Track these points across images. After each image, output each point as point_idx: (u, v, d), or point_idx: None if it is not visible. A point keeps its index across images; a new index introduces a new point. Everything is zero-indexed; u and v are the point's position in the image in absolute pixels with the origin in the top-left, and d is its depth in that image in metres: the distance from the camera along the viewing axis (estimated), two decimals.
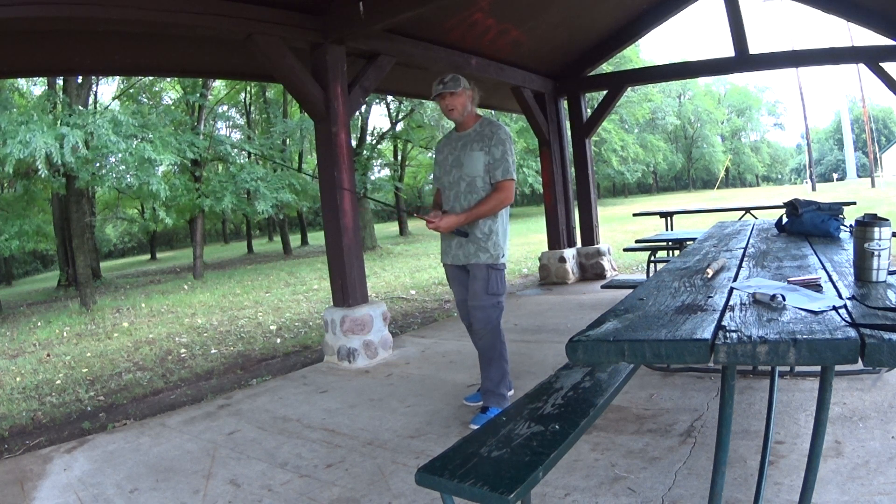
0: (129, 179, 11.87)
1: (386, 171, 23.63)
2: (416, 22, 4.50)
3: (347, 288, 4.34)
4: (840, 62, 6.26)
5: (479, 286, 2.92)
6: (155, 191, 11.30)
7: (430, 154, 23.60)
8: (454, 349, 4.43)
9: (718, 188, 39.39)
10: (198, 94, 14.52)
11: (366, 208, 17.11)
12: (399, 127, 19.57)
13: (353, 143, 14.99)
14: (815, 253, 2.08)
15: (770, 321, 1.23)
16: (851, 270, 1.65)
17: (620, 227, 14.40)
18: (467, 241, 2.94)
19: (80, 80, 11.74)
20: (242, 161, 16.09)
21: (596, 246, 7.34)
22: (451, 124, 3.12)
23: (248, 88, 19.58)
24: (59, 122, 9.57)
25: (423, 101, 14.86)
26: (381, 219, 35.23)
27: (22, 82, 13.69)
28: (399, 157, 22.57)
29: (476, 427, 2.80)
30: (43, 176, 10.07)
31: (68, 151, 9.26)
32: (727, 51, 6.18)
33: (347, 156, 4.34)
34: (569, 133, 7.46)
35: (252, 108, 21.83)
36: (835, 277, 1.62)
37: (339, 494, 2.29)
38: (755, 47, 6.08)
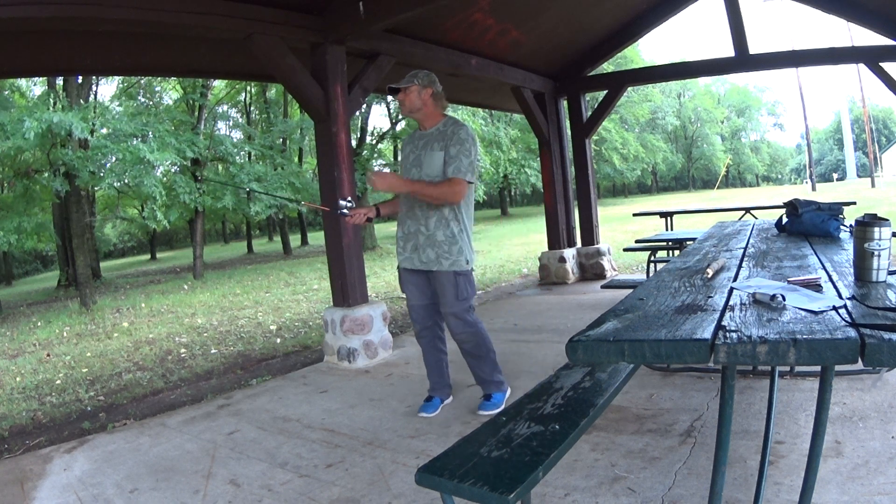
0: (127, 180, 11.91)
1: (386, 172, 23.60)
2: (416, 22, 4.50)
3: (347, 288, 4.34)
4: (840, 62, 6.26)
5: (449, 293, 2.86)
6: (151, 192, 11.34)
7: None
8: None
9: (718, 188, 39.37)
10: (198, 94, 14.53)
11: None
12: (399, 127, 19.55)
13: (353, 143, 14.98)
14: (815, 253, 2.08)
15: (770, 321, 1.23)
16: (851, 270, 1.65)
17: (620, 227, 14.40)
18: (426, 245, 2.85)
19: (80, 80, 11.76)
20: (242, 161, 16.11)
21: (596, 246, 7.34)
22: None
23: (248, 88, 19.58)
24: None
25: None
26: (381, 218, 35.16)
27: (22, 82, 13.70)
28: (399, 158, 22.54)
29: (484, 413, 2.91)
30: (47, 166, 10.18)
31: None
32: (727, 51, 6.18)
33: (347, 156, 4.34)
34: (569, 133, 7.46)
35: (252, 108, 21.83)
36: (835, 277, 1.62)
37: (339, 494, 2.29)
38: (755, 47, 6.08)
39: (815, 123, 55.19)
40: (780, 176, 53.22)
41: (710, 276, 1.82)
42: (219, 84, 17.40)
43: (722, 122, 48.24)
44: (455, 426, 2.86)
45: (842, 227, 2.51)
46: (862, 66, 6.01)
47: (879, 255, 1.51)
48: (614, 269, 7.46)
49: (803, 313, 1.25)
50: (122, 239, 35.55)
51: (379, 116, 59.10)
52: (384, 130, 20.48)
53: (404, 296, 3.17)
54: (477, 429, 1.74)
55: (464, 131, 2.82)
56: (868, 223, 1.53)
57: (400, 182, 2.77)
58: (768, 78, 54.32)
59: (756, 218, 6.44)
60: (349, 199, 2.99)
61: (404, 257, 2.98)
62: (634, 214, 9.79)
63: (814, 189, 26.30)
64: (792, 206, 2.69)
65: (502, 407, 2.93)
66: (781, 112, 53.18)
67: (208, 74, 8.43)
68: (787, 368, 2.92)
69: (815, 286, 1.49)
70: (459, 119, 2.91)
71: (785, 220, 2.80)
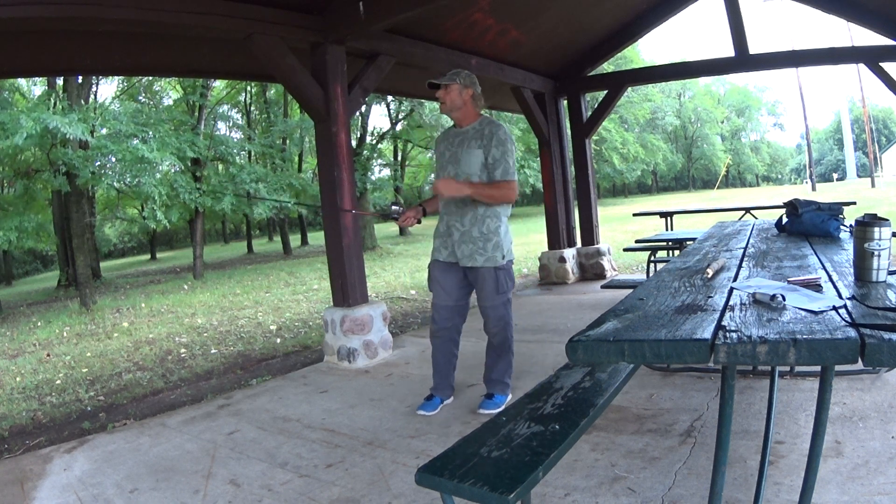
0: (127, 179, 11.91)
1: (386, 171, 23.63)
2: (416, 22, 4.49)
3: (347, 288, 4.34)
4: (840, 62, 6.26)
5: (489, 286, 2.92)
6: (150, 193, 11.36)
7: (430, 154, 23.61)
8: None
9: (718, 188, 39.37)
10: (198, 94, 14.53)
11: (366, 208, 17.09)
12: (399, 127, 19.57)
13: (353, 143, 14.98)
14: (815, 253, 2.08)
15: (770, 321, 1.23)
16: (851, 270, 1.65)
17: (620, 227, 14.40)
18: (461, 241, 2.92)
19: (80, 79, 11.77)
20: (242, 161, 16.12)
21: (596, 246, 7.34)
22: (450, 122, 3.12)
23: (249, 88, 19.57)
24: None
25: (423, 101, 14.86)
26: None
27: (22, 82, 13.71)
28: (399, 157, 22.56)
29: (484, 412, 2.93)
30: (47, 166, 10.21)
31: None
32: (727, 51, 6.18)
33: (347, 156, 4.34)
34: (569, 133, 7.46)
35: (252, 108, 21.82)
36: (835, 277, 1.62)
37: (339, 494, 2.29)
38: (755, 47, 6.08)
39: (815, 123, 55.32)
40: (780, 176, 53.21)
41: (710, 276, 1.82)
42: (219, 84, 17.42)
43: (722, 122, 48.22)
44: (455, 426, 2.86)
45: (842, 227, 2.51)
46: (862, 66, 6.01)
47: (879, 255, 1.51)
48: (614, 269, 7.46)
49: (803, 313, 1.25)
50: (122, 239, 35.53)
51: (379, 116, 59.04)
52: (384, 130, 20.49)
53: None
54: (477, 429, 1.74)
55: (502, 132, 2.89)
56: (868, 223, 1.53)
57: (464, 186, 2.82)
58: (768, 78, 54.36)
59: (756, 218, 6.44)
60: (399, 203, 3.12)
61: (444, 251, 3.02)
62: (634, 214, 9.79)
63: (814, 189, 26.30)
64: (792, 206, 2.69)
65: (503, 408, 2.94)
66: (781, 112, 53.24)
67: (208, 74, 8.43)
68: (787, 368, 2.92)
69: (815, 286, 1.49)
70: (495, 119, 2.97)
71: (785, 220, 2.80)
